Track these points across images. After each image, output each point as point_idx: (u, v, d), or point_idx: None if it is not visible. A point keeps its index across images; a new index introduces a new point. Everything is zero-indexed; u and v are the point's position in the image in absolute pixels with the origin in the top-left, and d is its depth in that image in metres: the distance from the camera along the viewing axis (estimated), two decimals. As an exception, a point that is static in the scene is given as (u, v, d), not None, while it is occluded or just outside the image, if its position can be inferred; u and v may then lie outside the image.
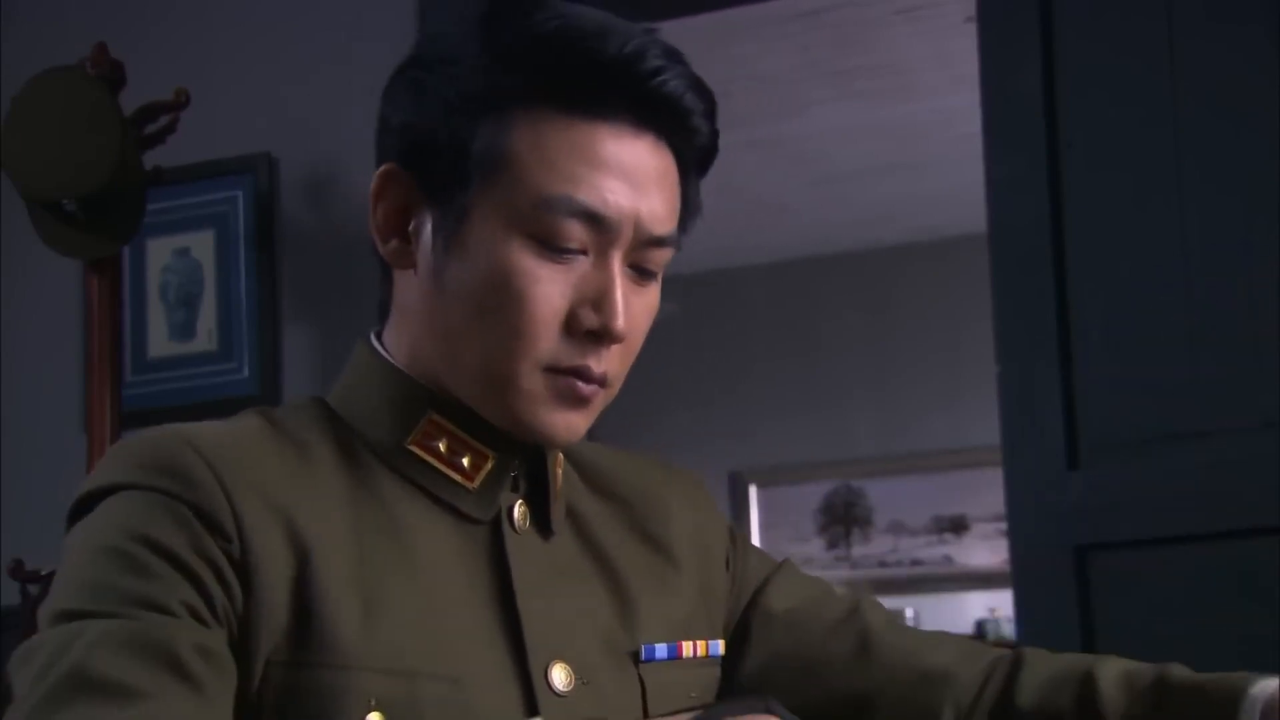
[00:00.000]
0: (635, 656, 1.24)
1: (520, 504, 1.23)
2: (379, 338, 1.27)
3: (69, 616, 1.07)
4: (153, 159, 2.82)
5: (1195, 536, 2.33)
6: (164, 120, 2.84)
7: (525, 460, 1.24)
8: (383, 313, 1.28)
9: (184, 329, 3.11)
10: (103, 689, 1.02)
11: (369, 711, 1.09)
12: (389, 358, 1.24)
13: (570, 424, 1.19)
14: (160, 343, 3.13)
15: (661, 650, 1.26)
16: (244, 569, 1.10)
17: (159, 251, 3.13)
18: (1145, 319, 2.39)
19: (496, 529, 1.22)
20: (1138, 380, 2.39)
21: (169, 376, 3.10)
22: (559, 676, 1.18)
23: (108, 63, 2.76)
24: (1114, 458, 2.39)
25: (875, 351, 6.31)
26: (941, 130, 5.02)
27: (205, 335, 3.10)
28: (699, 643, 1.29)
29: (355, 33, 3.04)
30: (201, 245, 3.12)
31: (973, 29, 2.59)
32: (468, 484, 1.21)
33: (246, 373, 3.06)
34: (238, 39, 3.16)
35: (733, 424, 6.40)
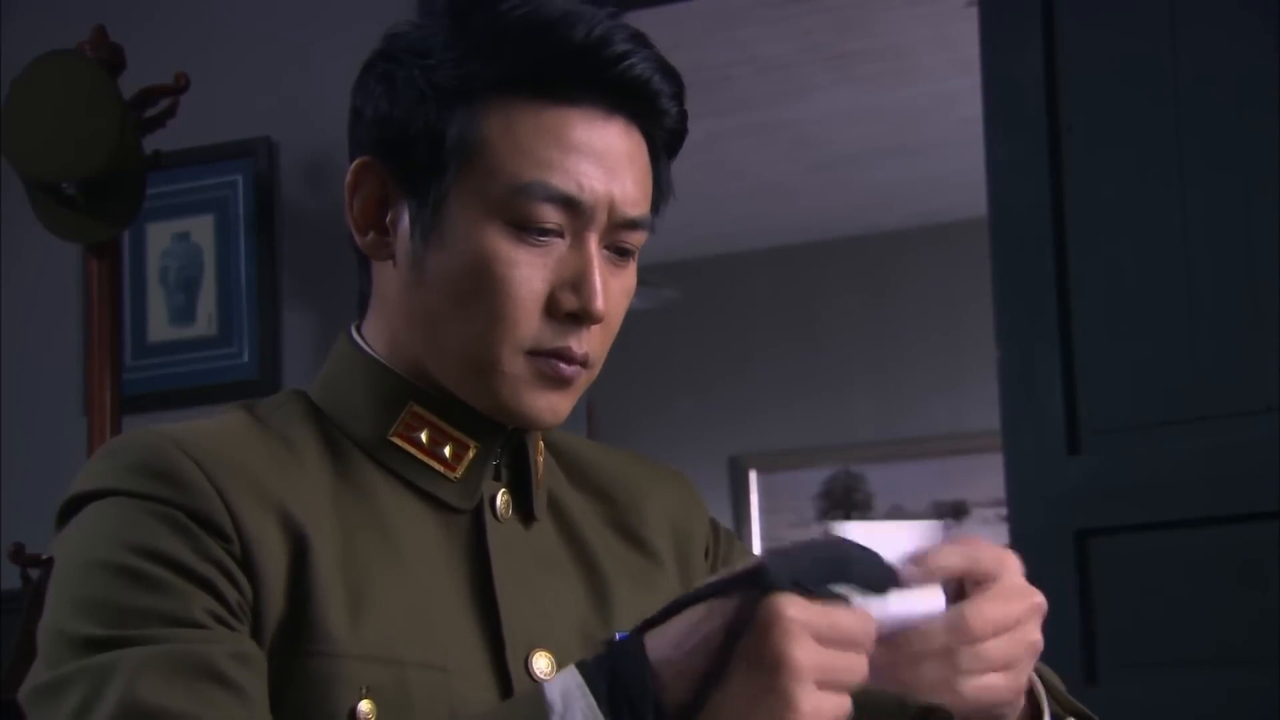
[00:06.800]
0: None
1: (503, 493, 1.24)
2: (359, 330, 1.27)
3: (92, 644, 1.06)
4: (152, 143, 2.81)
5: (1195, 521, 2.33)
6: (163, 104, 2.84)
7: (507, 449, 1.24)
8: (362, 305, 1.29)
9: (184, 313, 3.11)
10: (159, 718, 1.03)
11: (361, 699, 1.10)
12: (369, 350, 1.25)
13: (553, 405, 1.20)
14: (160, 327, 3.13)
15: None
16: (247, 565, 1.10)
17: (159, 236, 3.13)
18: (1146, 303, 2.39)
19: (479, 518, 1.22)
20: (1138, 364, 2.39)
21: (169, 361, 3.11)
22: (541, 664, 1.18)
23: (107, 46, 2.75)
24: (1114, 442, 2.39)
25: (875, 336, 6.29)
26: (942, 114, 5.01)
27: (205, 320, 3.10)
28: None
29: (355, 16, 3.04)
30: (201, 229, 3.12)
31: (973, 12, 2.59)
32: (450, 474, 1.21)
33: (246, 357, 3.06)
34: (237, 23, 3.15)
35: (732, 409, 6.38)
